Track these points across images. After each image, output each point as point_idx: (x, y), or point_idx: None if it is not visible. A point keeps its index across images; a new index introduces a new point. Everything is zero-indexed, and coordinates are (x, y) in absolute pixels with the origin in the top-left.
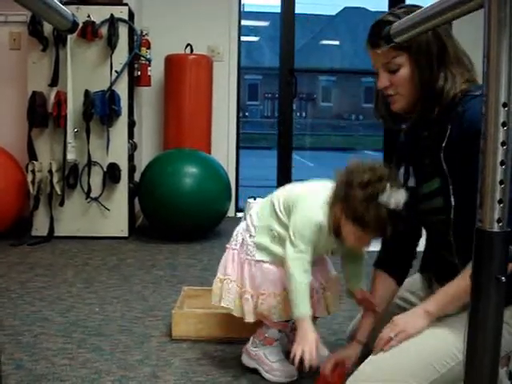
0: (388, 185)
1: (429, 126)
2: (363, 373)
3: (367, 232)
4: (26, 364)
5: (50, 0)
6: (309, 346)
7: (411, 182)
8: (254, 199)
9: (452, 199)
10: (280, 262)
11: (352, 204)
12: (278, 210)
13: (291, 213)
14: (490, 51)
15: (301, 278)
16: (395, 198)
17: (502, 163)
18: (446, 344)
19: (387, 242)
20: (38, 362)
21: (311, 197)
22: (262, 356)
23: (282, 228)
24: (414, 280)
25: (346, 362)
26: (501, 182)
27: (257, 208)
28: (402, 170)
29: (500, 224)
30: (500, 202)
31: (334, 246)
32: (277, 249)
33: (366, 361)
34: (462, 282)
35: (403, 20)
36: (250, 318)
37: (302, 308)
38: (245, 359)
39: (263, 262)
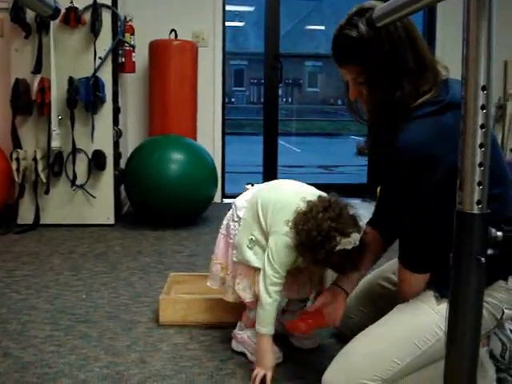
0: (338, 238)
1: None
2: (347, 356)
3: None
4: (13, 352)
5: None
6: (265, 370)
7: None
8: (252, 185)
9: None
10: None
11: (313, 256)
12: (261, 219)
13: (270, 231)
14: (470, 35)
15: (271, 300)
16: (349, 244)
17: (481, 145)
18: (427, 322)
19: (380, 206)
20: (25, 349)
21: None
22: (247, 338)
23: (262, 235)
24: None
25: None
26: (480, 165)
27: (246, 198)
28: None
29: (480, 206)
30: (479, 184)
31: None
32: (250, 255)
33: (348, 345)
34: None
35: (385, 5)
36: (228, 298)
37: (264, 326)
38: (233, 344)
39: None
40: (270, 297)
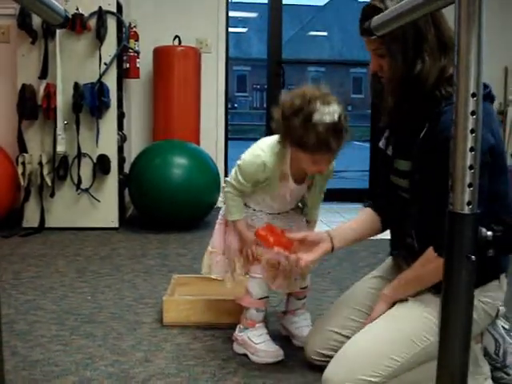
0: (318, 103)
1: (412, 114)
2: (346, 354)
3: (316, 153)
4: (21, 350)
5: None
6: (250, 245)
7: (389, 150)
8: None
9: (417, 189)
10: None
11: (293, 133)
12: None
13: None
14: (460, 44)
15: (234, 197)
16: (328, 113)
17: (471, 149)
18: (425, 320)
19: (382, 192)
20: (32, 348)
21: (261, 140)
22: (247, 339)
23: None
24: (385, 264)
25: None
26: (470, 167)
27: None
28: (386, 134)
29: (470, 206)
30: (470, 185)
31: (278, 188)
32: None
33: (348, 343)
34: (416, 270)
35: (382, 14)
36: (227, 284)
37: (232, 214)
38: (235, 346)
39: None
40: (227, 187)
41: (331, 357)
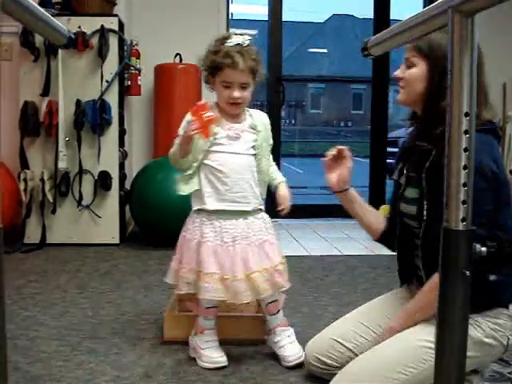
0: (233, 35)
1: (424, 140)
2: (350, 372)
3: (225, 69)
4: (22, 366)
5: (46, 16)
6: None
7: (402, 180)
8: None
9: (424, 214)
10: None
11: (209, 60)
12: None
13: None
14: (454, 66)
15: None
16: (238, 39)
17: (464, 167)
18: (426, 342)
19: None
20: (33, 364)
21: None
22: (195, 344)
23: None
24: (400, 291)
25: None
26: (464, 185)
27: None
28: (399, 166)
29: (464, 223)
30: (464, 202)
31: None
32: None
33: (353, 361)
34: (421, 299)
35: (379, 35)
36: (181, 290)
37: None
38: (190, 350)
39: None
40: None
41: (329, 365)
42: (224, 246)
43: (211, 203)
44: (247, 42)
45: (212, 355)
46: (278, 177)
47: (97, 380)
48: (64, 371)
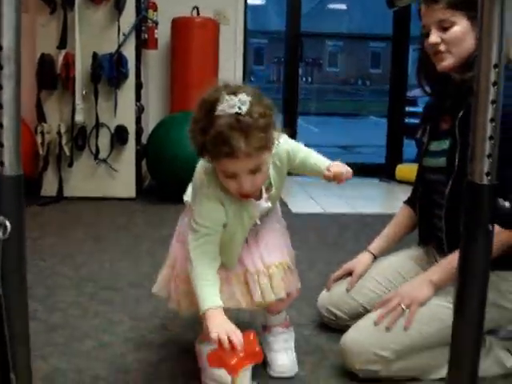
0: (223, 94)
1: (455, 90)
2: (363, 326)
3: (220, 156)
4: (40, 315)
5: None
6: (228, 329)
7: (425, 138)
8: None
9: (456, 161)
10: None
11: (194, 139)
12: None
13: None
14: (483, 18)
15: (204, 269)
16: (232, 103)
17: (491, 120)
18: (444, 302)
19: (417, 185)
20: (52, 313)
21: (196, 172)
22: (201, 352)
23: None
24: (417, 251)
25: (355, 270)
26: (490, 138)
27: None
28: (422, 127)
29: (489, 177)
30: (489, 156)
31: (251, 211)
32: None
33: (367, 316)
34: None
35: None
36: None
37: (211, 302)
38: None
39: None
40: (202, 266)
41: (340, 318)
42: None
43: None
44: (247, 105)
45: (215, 371)
46: (321, 164)
47: (114, 329)
48: (82, 320)
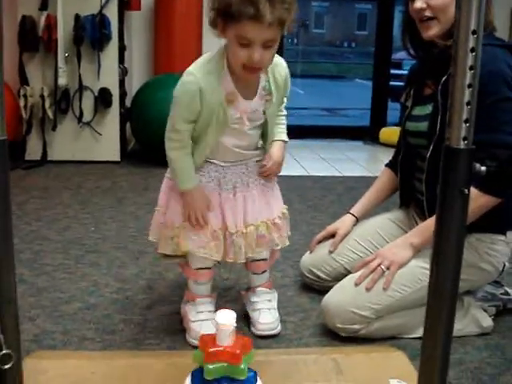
0: None
1: (438, 56)
2: (345, 286)
3: (243, 19)
4: (27, 278)
5: None
6: (199, 207)
7: (408, 102)
8: None
9: (438, 126)
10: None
11: (219, 2)
12: None
13: None
14: None
15: (179, 154)
16: None
17: (469, 86)
18: (423, 263)
19: (399, 148)
20: (38, 276)
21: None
22: (185, 313)
23: None
24: (398, 213)
25: (338, 232)
26: (468, 103)
27: None
28: (406, 91)
29: (465, 142)
30: (466, 121)
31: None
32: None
33: (349, 277)
34: None
35: None
36: (164, 249)
37: (184, 180)
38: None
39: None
40: (166, 143)
41: (322, 278)
42: (223, 194)
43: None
44: None
45: (202, 331)
46: (278, 135)
47: (100, 292)
48: (68, 283)
